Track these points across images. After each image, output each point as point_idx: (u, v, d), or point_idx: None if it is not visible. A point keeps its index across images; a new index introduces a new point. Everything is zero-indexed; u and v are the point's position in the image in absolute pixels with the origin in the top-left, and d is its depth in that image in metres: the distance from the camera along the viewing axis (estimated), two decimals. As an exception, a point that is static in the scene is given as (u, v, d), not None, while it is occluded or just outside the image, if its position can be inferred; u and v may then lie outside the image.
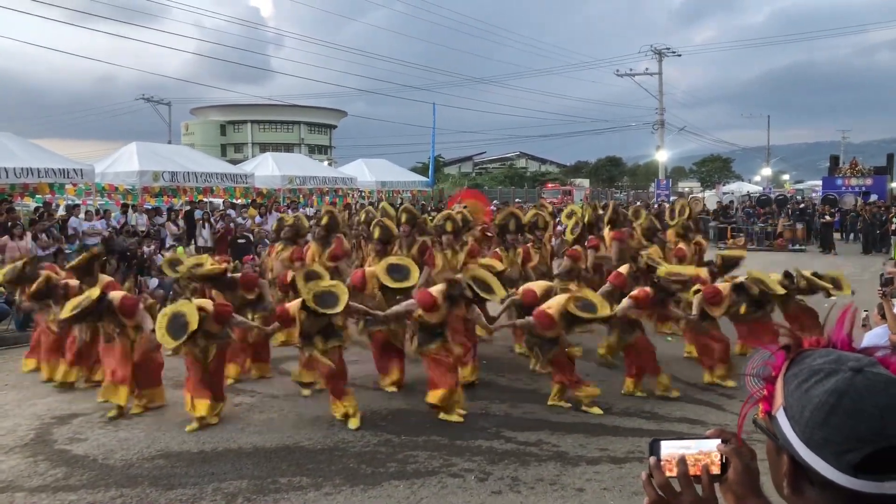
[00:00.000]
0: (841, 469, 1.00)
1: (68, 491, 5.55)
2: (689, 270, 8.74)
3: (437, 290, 7.17)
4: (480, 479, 5.70)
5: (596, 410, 7.24)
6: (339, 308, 6.78)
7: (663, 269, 8.52)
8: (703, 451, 1.25)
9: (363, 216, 11.50)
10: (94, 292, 7.44)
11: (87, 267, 8.79)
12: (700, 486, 1.23)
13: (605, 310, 7.18)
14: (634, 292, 7.77)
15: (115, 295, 7.50)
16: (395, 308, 7.43)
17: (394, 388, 8.00)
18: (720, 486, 1.24)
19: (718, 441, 1.25)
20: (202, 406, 6.89)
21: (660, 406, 7.49)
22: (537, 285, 7.95)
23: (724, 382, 8.12)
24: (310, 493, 5.45)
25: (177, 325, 6.73)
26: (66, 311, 7.36)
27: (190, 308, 6.81)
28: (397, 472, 5.85)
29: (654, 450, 1.26)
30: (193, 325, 6.68)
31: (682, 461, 1.23)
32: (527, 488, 5.51)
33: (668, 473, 1.24)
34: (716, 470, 1.24)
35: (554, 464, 6.00)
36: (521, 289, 7.97)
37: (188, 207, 19.65)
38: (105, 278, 8.82)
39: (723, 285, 8.50)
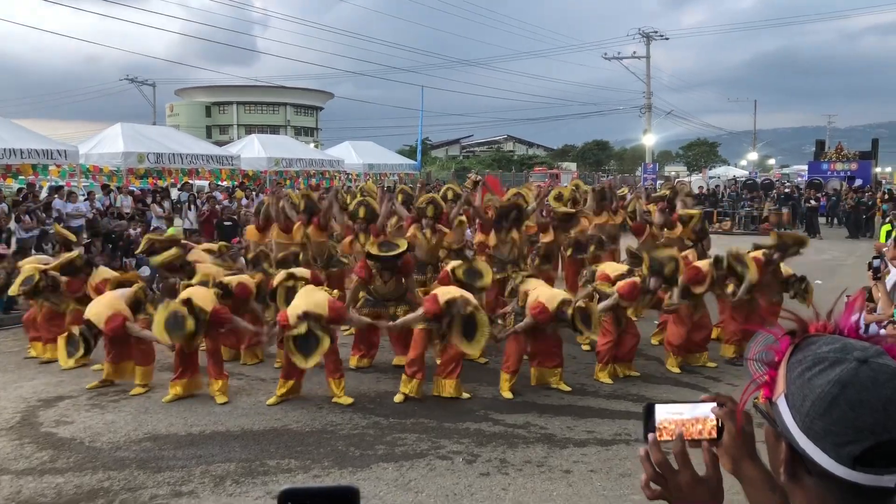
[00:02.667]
0: (840, 461, 0.99)
1: (55, 474, 5.52)
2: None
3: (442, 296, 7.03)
4: (468, 461, 5.72)
5: (564, 387, 7.47)
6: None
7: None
8: (698, 416, 1.25)
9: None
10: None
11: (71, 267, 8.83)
12: (697, 453, 1.23)
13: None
14: (621, 286, 7.71)
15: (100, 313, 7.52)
16: (404, 319, 7.48)
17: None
18: (717, 450, 1.25)
19: (713, 405, 1.25)
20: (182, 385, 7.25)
21: (647, 389, 7.54)
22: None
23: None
24: (298, 476, 5.46)
25: (174, 323, 6.84)
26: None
27: (184, 309, 6.92)
28: (386, 454, 5.87)
29: (649, 413, 1.25)
30: (190, 328, 6.85)
31: (680, 438, 1.23)
32: (514, 470, 5.54)
33: (663, 437, 1.24)
34: (712, 434, 1.24)
35: (541, 446, 6.03)
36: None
37: (178, 189, 19.49)
38: (103, 272, 8.85)
39: (702, 262, 8.49)
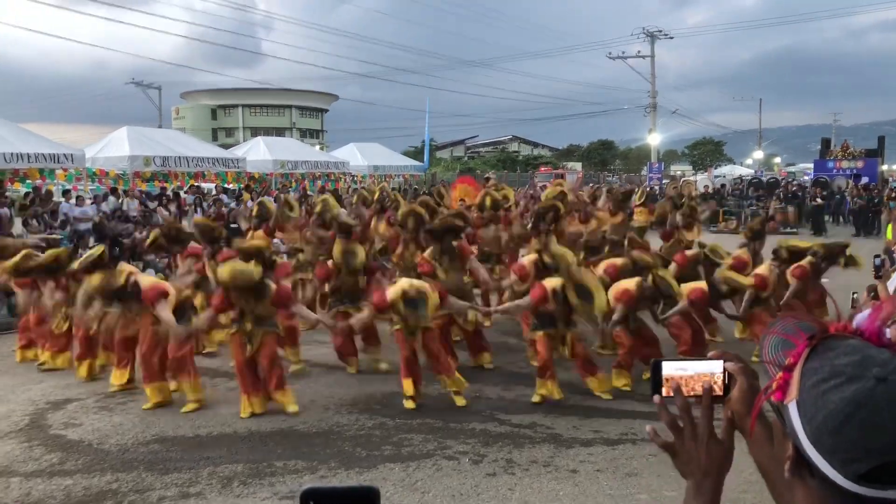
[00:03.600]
0: (845, 475, 0.97)
1: (64, 476, 5.56)
2: (744, 280, 8.20)
3: (549, 283, 7.01)
4: (475, 461, 5.73)
5: (607, 396, 7.21)
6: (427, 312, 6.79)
7: (723, 273, 8.26)
8: (704, 372, 1.26)
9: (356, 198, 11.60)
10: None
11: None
12: (700, 406, 1.24)
13: (600, 298, 6.92)
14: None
15: (144, 280, 7.36)
16: (516, 303, 7.43)
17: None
18: (723, 405, 1.25)
19: (720, 362, 1.25)
20: (257, 403, 6.81)
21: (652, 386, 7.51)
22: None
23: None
24: (305, 477, 5.48)
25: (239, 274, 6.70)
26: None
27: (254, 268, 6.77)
28: (392, 454, 5.88)
29: (657, 370, 1.27)
30: (257, 274, 6.67)
31: (708, 392, 1.24)
32: (521, 470, 5.55)
33: (667, 393, 1.25)
34: (716, 391, 1.25)
35: (548, 446, 6.04)
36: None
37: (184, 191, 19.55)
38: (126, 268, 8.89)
39: (763, 269, 8.32)
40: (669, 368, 1.26)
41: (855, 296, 6.00)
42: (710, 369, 1.26)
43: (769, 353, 1.12)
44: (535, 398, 7.05)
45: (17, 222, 14.66)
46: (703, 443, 1.22)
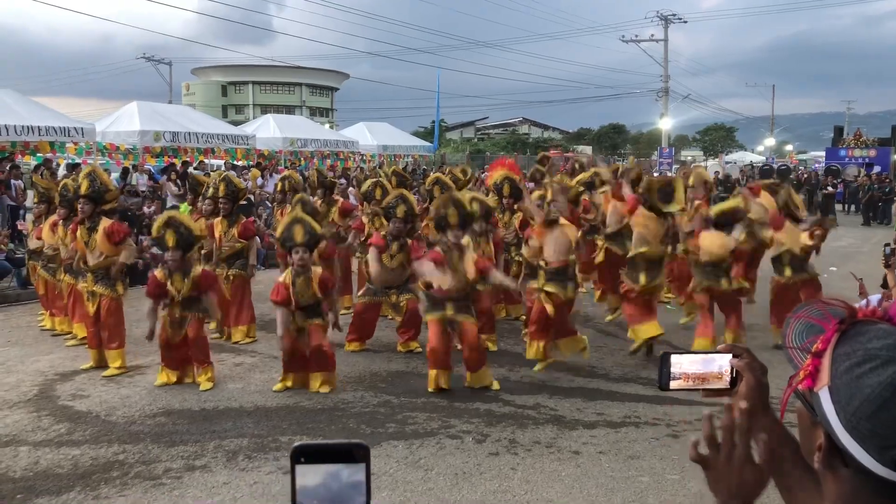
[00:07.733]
0: (882, 462, 0.95)
1: (71, 446, 5.62)
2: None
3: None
4: (478, 440, 5.77)
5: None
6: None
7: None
8: (712, 365, 1.27)
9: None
10: None
11: None
12: (709, 397, 1.26)
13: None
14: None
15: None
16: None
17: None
18: (730, 399, 1.26)
19: (728, 356, 1.26)
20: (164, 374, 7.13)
21: (657, 372, 7.53)
22: None
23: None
24: (310, 452, 5.51)
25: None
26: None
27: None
28: (396, 432, 5.92)
29: (665, 362, 1.29)
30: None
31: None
32: (524, 450, 5.58)
33: (677, 385, 1.28)
34: (724, 384, 1.27)
35: (551, 427, 6.07)
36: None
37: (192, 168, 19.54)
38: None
39: None
40: (678, 361, 1.27)
41: (860, 280, 6.00)
42: (719, 362, 1.27)
43: (794, 339, 1.10)
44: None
45: (30, 195, 14.70)
46: (736, 466, 1.17)
